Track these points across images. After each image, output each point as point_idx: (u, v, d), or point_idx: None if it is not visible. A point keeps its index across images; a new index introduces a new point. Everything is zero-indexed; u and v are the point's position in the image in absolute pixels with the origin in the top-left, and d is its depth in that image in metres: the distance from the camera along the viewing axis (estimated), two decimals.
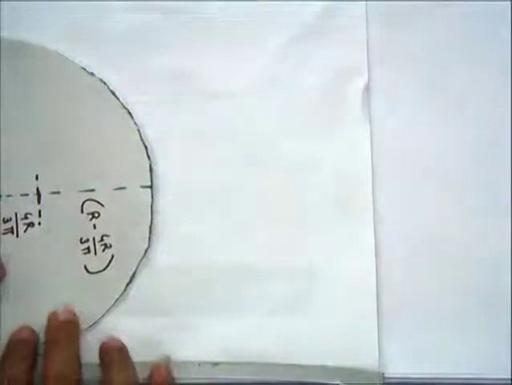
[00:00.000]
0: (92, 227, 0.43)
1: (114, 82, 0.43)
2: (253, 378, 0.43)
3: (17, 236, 0.43)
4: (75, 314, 0.42)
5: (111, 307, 0.43)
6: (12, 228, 0.43)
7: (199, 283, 0.43)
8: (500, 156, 0.44)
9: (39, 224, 0.43)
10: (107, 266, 0.43)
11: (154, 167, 0.43)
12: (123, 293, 0.43)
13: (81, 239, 0.43)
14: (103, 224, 0.43)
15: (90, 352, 0.42)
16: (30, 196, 0.43)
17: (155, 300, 0.43)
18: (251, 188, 0.44)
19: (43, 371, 0.41)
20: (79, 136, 0.43)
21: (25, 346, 0.41)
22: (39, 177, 0.43)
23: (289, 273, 0.43)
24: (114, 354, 0.42)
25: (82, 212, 0.43)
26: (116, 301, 0.43)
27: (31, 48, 0.43)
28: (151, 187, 0.43)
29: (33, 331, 0.42)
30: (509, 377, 0.43)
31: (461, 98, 0.45)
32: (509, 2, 0.45)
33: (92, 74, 0.44)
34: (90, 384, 0.42)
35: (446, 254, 0.44)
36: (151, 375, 0.42)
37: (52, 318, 0.42)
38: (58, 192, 0.43)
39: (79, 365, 0.42)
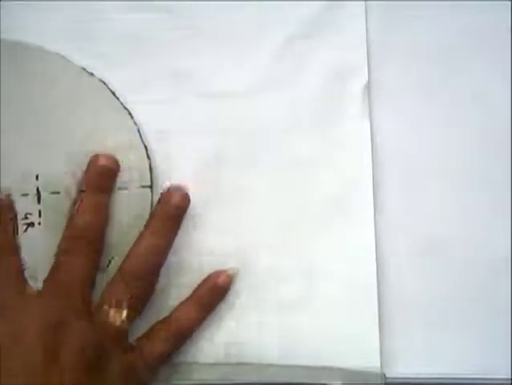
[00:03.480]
0: None
1: (114, 82, 0.44)
2: (254, 379, 0.43)
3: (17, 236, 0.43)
4: (116, 162, 0.42)
5: None
6: None
7: (199, 283, 0.43)
8: (500, 155, 0.44)
9: (39, 224, 0.42)
10: (108, 266, 0.42)
11: (154, 167, 0.43)
12: None
13: None
14: None
15: None
16: (30, 196, 0.42)
17: (155, 300, 0.43)
18: (251, 188, 0.44)
19: (70, 217, 0.41)
20: (79, 136, 0.43)
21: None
22: (39, 177, 0.43)
23: (289, 273, 0.43)
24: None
25: None
26: None
27: (31, 49, 0.43)
28: (151, 187, 0.43)
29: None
30: (509, 377, 0.43)
31: (462, 97, 0.45)
32: (510, 2, 0.45)
33: (92, 74, 0.44)
34: None
35: (446, 254, 0.44)
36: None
37: (92, 162, 0.42)
38: (58, 192, 0.43)
39: (108, 214, 0.42)
